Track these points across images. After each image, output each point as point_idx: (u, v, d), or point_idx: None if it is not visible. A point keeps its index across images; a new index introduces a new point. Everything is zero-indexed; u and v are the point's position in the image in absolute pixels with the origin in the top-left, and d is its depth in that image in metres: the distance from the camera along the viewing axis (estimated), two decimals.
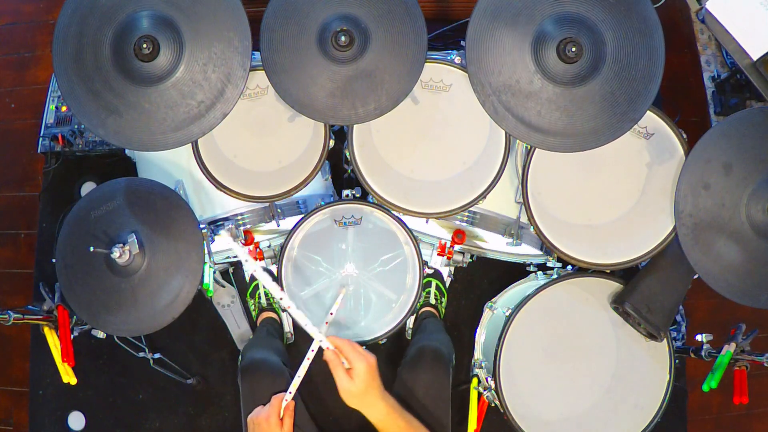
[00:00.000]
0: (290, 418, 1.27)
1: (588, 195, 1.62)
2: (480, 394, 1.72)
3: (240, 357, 1.64)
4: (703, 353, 1.60)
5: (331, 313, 1.45)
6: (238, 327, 2.09)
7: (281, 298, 1.29)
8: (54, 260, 1.50)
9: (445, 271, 2.00)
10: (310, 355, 1.27)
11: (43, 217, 2.25)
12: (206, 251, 1.49)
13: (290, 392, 1.28)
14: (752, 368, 1.51)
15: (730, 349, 1.51)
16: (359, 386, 1.19)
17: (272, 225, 1.76)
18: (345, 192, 1.73)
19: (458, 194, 1.63)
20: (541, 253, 1.80)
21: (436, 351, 1.59)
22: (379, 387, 1.22)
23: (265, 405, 1.30)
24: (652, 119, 1.56)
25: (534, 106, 1.40)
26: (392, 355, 2.08)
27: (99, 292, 1.45)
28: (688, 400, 2.13)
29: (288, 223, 1.75)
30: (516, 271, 1.90)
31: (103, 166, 2.20)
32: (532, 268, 1.85)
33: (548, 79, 1.38)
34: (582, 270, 1.66)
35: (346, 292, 1.71)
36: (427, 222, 1.77)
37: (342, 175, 1.89)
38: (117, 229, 1.46)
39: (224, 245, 1.61)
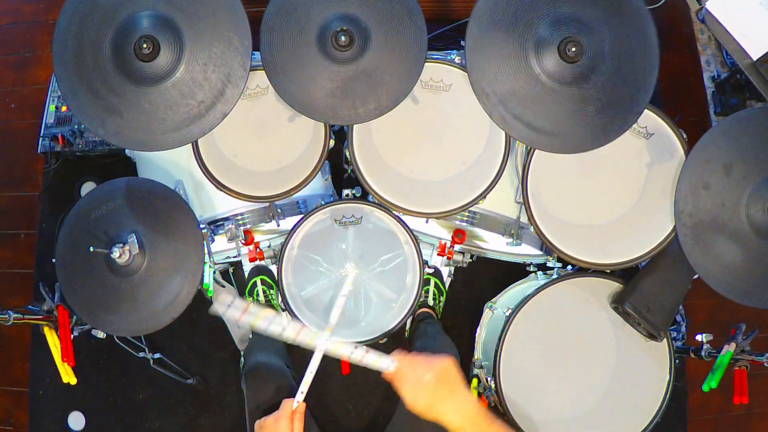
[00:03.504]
0: (300, 421, 1.23)
1: (588, 195, 1.62)
2: (480, 394, 1.72)
3: (242, 361, 1.63)
4: (703, 353, 1.60)
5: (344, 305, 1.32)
6: (238, 327, 2.09)
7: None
8: (54, 260, 1.50)
9: (445, 271, 2.00)
10: (318, 355, 1.23)
11: (43, 217, 2.25)
12: (206, 251, 1.49)
13: (301, 392, 1.23)
14: (752, 368, 1.51)
15: (730, 349, 1.51)
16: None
17: (272, 225, 1.76)
18: (345, 192, 1.73)
19: (458, 194, 1.62)
20: (541, 253, 1.80)
21: None
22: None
23: (272, 411, 1.24)
24: (652, 119, 1.56)
25: (539, 108, 1.40)
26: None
27: (99, 292, 1.45)
28: (688, 400, 2.13)
29: (288, 223, 1.75)
30: (516, 271, 1.90)
31: (103, 166, 2.20)
32: (532, 268, 1.85)
33: (552, 80, 1.38)
34: (582, 270, 1.66)
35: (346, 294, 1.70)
36: (427, 222, 1.77)
37: (342, 175, 1.89)
38: (117, 229, 1.46)
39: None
